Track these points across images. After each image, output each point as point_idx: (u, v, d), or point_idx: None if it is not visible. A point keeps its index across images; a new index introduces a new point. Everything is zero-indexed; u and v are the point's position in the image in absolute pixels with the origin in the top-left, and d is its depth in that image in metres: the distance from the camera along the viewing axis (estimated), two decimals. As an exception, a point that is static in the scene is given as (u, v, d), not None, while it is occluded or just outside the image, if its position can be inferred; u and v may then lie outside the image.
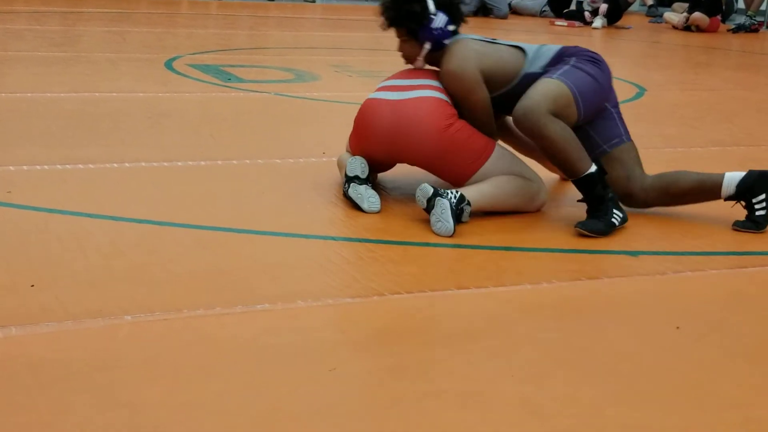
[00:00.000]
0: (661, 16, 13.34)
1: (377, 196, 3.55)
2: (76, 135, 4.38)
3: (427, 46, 3.65)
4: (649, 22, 13.45)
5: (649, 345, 2.54)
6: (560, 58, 3.63)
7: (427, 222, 3.34)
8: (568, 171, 3.47)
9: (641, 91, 6.93)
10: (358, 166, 3.56)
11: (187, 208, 3.48)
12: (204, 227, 3.26)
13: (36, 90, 5.51)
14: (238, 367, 2.27)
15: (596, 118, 3.62)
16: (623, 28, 12.55)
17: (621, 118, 3.71)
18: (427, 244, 3.23)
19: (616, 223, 3.43)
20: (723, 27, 12.43)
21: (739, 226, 3.55)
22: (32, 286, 2.65)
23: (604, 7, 12.41)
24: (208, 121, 4.92)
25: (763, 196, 3.52)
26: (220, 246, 3.12)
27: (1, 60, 6.88)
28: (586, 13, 12.56)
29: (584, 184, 3.44)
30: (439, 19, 3.61)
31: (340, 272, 2.91)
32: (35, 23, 9.10)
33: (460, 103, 3.61)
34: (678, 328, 2.64)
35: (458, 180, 3.58)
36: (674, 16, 12.74)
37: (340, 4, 14.34)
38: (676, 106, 6.36)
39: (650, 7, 13.83)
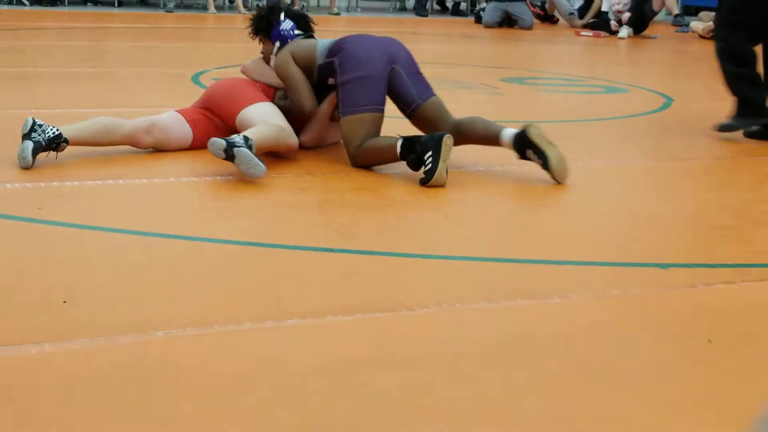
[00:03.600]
0: (687, 25, 13.31)
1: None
2: (105, 150, 4.41)
3: (277, 44, 4.73)
4: (676, 31, 13.41)
5: (680, 358, 2.53)
6: (333, 53, 4.46)
7: (450, 236, 3.34)
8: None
9: (668, 101, 6.91)
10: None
11: (218, 223, 3.50)
12: (234, 242, 3.27)
13: (65, 106, 5.56)
14: (268, 382, 2.27)
15: (391, 89, 4.40)
16: (649, 37, 12.51)
17: (415, 78, 4.43)
18: (452, 257, 3.23)
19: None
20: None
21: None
22: (64, 302, 2.67)
23: (626, 16, 12.38)
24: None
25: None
26: (251, 261, 3.13)
27: (30, 76, 6.95)
28: (612, 23, 12.54)
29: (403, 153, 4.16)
30: (285, 24, 4.75)
31: (369, 286, 2.92)
32: (63, 39, 9.19)
33: (280, 79, 4.62)
34: (710, 341, 2.62)
35: (230, 117, 4.51)
36: (701, 25, 12.70)
37: (364, 16, 14.40)
38: (703, 116, 6.32)
39: (676, 16, 13.79)
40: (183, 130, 4.55)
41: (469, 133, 4.36)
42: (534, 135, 4.16)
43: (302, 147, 4.59)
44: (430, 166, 4.05)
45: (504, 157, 4.73)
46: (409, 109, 4.45)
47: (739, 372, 2.46)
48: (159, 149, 4.48)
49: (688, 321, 2.79)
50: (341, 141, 4.51)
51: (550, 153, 4.16)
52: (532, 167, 4.25)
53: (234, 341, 2.49)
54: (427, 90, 4.46)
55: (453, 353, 2.49)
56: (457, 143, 4.24)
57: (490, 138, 4.32)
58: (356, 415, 2.14)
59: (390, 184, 4.21)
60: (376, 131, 4.35)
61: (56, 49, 8.39)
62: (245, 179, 4.04)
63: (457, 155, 4.34)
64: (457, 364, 2.43)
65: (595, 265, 3.23)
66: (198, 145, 4.52)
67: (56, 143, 4.14)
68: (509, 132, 4.24)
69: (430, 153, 4.04)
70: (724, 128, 5.39)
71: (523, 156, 4.23)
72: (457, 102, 6.35)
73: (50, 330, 2.48)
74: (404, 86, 4.41)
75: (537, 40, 11.37)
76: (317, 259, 3.18)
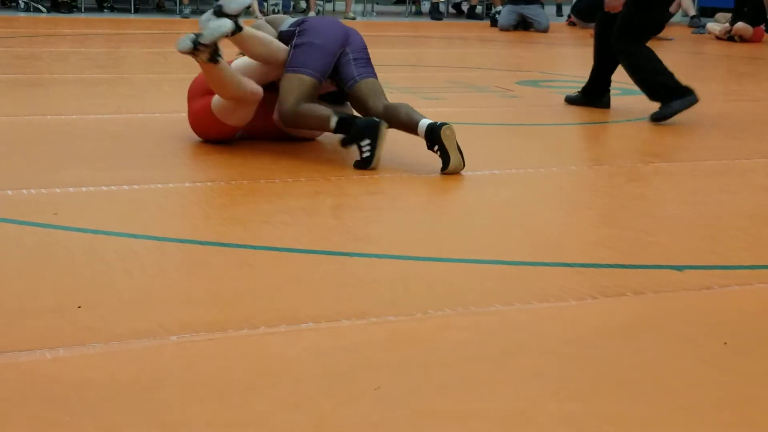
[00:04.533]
0: (703, 26, 13.25)
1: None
2: (121, 156, 4.43)
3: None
4: (692, 33, 13.36)
5: (696, 361, 2.51)
6: (296, 24, 4.71)
7: (464, 239, 3.33)
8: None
9: (684, 103, 6.87)
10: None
11: (232, 227, 3.50)
12: (248, 246, 3.28)
13: (81, 112, 5.58)
14: (282, 387, 2.27)
15: (336, 67, 4.59)
16: (665, 39, 12.47)
17: (360, 62, 4.61)
18: (466, 260, 3.22)
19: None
20: (767, 37, 12.31)
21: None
22: (79, 307, 2.67)
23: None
24: (251, 140, 4.94)
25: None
26: (265, 265, 3.14)
27: (46, 82, 6.98)
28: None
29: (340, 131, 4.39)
30: None
31: (383, 290, 2.91)
32: (80, 46, 9.23)
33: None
34: (725, 343, 2.61)
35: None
36: (717, 26, 12.64)
37: (379, 20, 14.39)
38: (720, 118, 6.30)
39: (693, 17, 13.74)
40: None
41: (393, 118, 4.48)
42: (445, 136, 4.27)
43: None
44: (368, 154, 4.32)
45: (517, 160, 4.73)
46: (346, 86, 4.63)
47: (755, 374, 2.45)
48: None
49: (704, 323, 2.77)
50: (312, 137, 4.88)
51: (453, 159, 4.27)
52: (546, 170, 4.25)
53: (248, 345, 2.49)
54: (368, 72, 4.64)
55: (467, 357, 2.48)
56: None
57: (409, 126, 4.45)
58: (370, 420, 2.13)
59: (404, 187, 4.21)
60: (312, 98, 4.53)
61: (73, 56, 8.43)
62: (259, 184, 4.05)
63: (471, 158, 4.34)
64: (471, 368, 2.42)
65: (610, 267, 3.21)
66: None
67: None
68: (425, 123, 4.36)
69: (368, 141, 4.30)
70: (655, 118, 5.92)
71: (430, 148, 4.36)
72: (473, 105, 6.35)
73: (65, 335, 2.49)
74: (348, 65, 4.62)
75: (553, 42, 11.34)
76: (331, 262, 3.17)
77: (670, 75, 5.98)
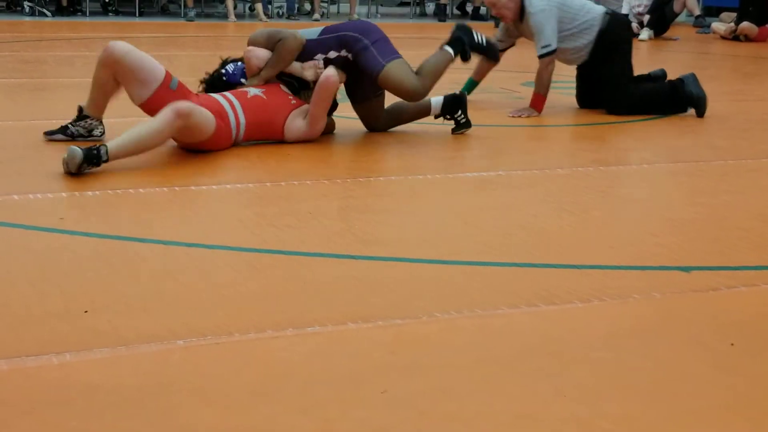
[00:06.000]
0: (708, 26, 13.23)
1: None
2: (126, 160, 4.42)
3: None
4: (697, 32, 13.34)
5: (703, 362, 2.51)
6: (329, 32, 5.10)
7: (470, 242, 3.33)
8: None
9: (690, 103, 6.86)
10: None
11: (238, 230, 3.50)
12: (254, 250, 3.28)
13: (86, 116, 5.56)
14: (288, 390, 2.27)
15: (357, 58, 5.02)
16: (670, 39, 12.46)
17: (382, 46, 5.05)
18: (472, 263, 3.22)
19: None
20: (772, 36, 12.29)
21: (456, 131, 5.39)
22: (86, 311, 2.68)
23: (646, 18, 12.35)
24: (256, 144, 4.94)
25: (459, 112, 5.34)
26: (271, 268, 3.14)
27: (51, 87, 6.99)
28: (634, 25, 12.49)
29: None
30: (229, 68, 5.15)
31: (390, 293, 2.91)
32: (84, 49, 9.24)
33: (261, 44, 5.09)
34: (733, 344, 2.60)
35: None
36: (722, 26, 12.63)
37: (384, 22, 14.38)
38: (725, 118, 6.29)
39: (697, 17, 13.72)
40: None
41: (403, 111, 5.41)
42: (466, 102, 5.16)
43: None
44: (464, 119, 5.35)
45: (523, 161, 4.73)
46: (374, 75, 5.04)
47: (763, 375, 2.44)
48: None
49: (711, 324, 2.76)
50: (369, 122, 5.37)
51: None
52: (552, 171, 4.24)
53: (254, 349, 2.49)
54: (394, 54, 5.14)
55: (474, 360, 2.48)
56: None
57: (421, 109, 5.41)
58: (377, 423, 2.13)
59: (409, 189, 4.21)
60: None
61: (78, 60, 8.44)
62: (265, 187, 4.05)
63: (474, 161, 4.34)
64: (478, 371, 2.42)
65: (617, 269, 3.21)
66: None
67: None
68: (439, 98, 5.32)
69: (460, 112, 5.33)
70: None
71: (450, 116, 5.38)
72: (478, 107, 6.35)
73: (72, 340, 2.49)
74: (371, 59, 5.04)
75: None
76: (337, 265, 3.17)
77: (660, 86, 6.29)
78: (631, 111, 6.18)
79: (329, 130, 5.22)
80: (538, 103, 6.13)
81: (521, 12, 6.12)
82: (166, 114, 4.31)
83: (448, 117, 5.34)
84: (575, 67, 6.43)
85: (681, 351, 2.58)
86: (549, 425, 2.14)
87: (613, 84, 6.18)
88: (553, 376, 2.39)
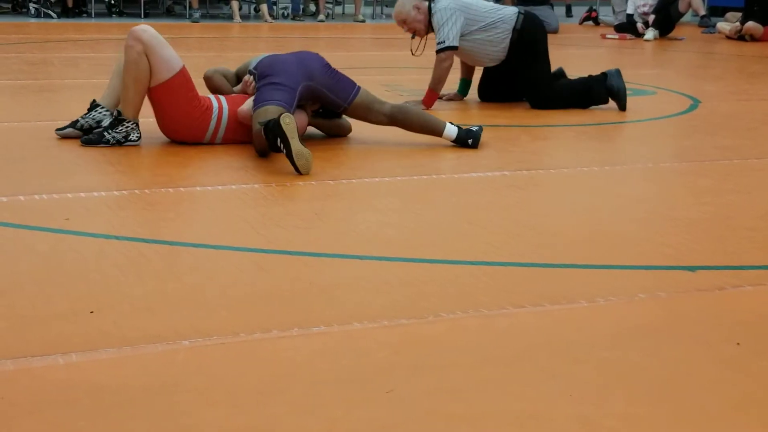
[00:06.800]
0: (714, 26, 13.22)
1: None
2: (131, 161, 4.43)
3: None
4: (702, 32, 13.32)
5: (709, 362, 2.50)
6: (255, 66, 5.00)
7: (475, 241, 3.33)
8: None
9: (695, 103, 6.86)
10: None
11: (243, 230, 3.50)
12: (259, 250, 3.28)
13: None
14: (294, 390, 2.27)
15: (318, 99, 4.93)
16: (676, 39, 12.45)
17: (333, 85, 4.91)
18: (477, 263, 3.22)
19: None
20: (778, 35, 12.27)
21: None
22: (91, 312, 2.68)
23: (651, 18, 12.34)
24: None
25: (471, 141, 4.96)
26: (276, 269, 3.14)
27: (57, 88, 7.00)
28: (639, 25, 12.48)
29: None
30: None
31: (395, 293, 2.91)
32: (90, 51, 9.25)
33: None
34: (738, 344, 2.60)
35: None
36: (727, 26, 12.61)
37: (389, 23, 14.38)
38: (730, 117, 6.28)
39: (703, 17, 13.70)
40: None
41: (406, 120, 5.01)
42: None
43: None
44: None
45: (528, 161, 4.73)
46: (339, 110, 5.04)
47: (768, 375, 2.44)
48: None
49: (717, 324, 2.76)
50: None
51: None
52: (556, 171, 4.23)
53: (260, 349, 2.49)
54: (348, 91, 4.97)
55: (479, 359, 2.48)
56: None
57: (427, 128, 5.01)
58: (382, 423, 2.13)
59: (415, 189, 4.21)
60: None
61: (83, 61, 8.45)
62: (271, 188, 4.05)
63: (479, 161, 4.34)
64: (483, 371, 2.42)
65: (623, 269, 3.21)
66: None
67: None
68: (453, 129, 4.95)
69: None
70: None
71: (462, 146, 4.96)
72: (483, 107, 6.35)
73: (77, 340, 2.50)
74: (325, 96, 4.93)
75: (562, 44, 11.31)
76: (343, 266, 3.17)
77: (580, 80, 6.47)
78: (555, 105, 6.34)
79: (345, 132, 5.20)
80: (428, 98, 6.19)
81: (430, 23, 6.25)
82: (125, 45, 4.68)
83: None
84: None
85: (687, 350, 2.57)
86: (555, 425, 2.14)
87: (539, 82, 6.35)
88: (558, 376, 2.39)
